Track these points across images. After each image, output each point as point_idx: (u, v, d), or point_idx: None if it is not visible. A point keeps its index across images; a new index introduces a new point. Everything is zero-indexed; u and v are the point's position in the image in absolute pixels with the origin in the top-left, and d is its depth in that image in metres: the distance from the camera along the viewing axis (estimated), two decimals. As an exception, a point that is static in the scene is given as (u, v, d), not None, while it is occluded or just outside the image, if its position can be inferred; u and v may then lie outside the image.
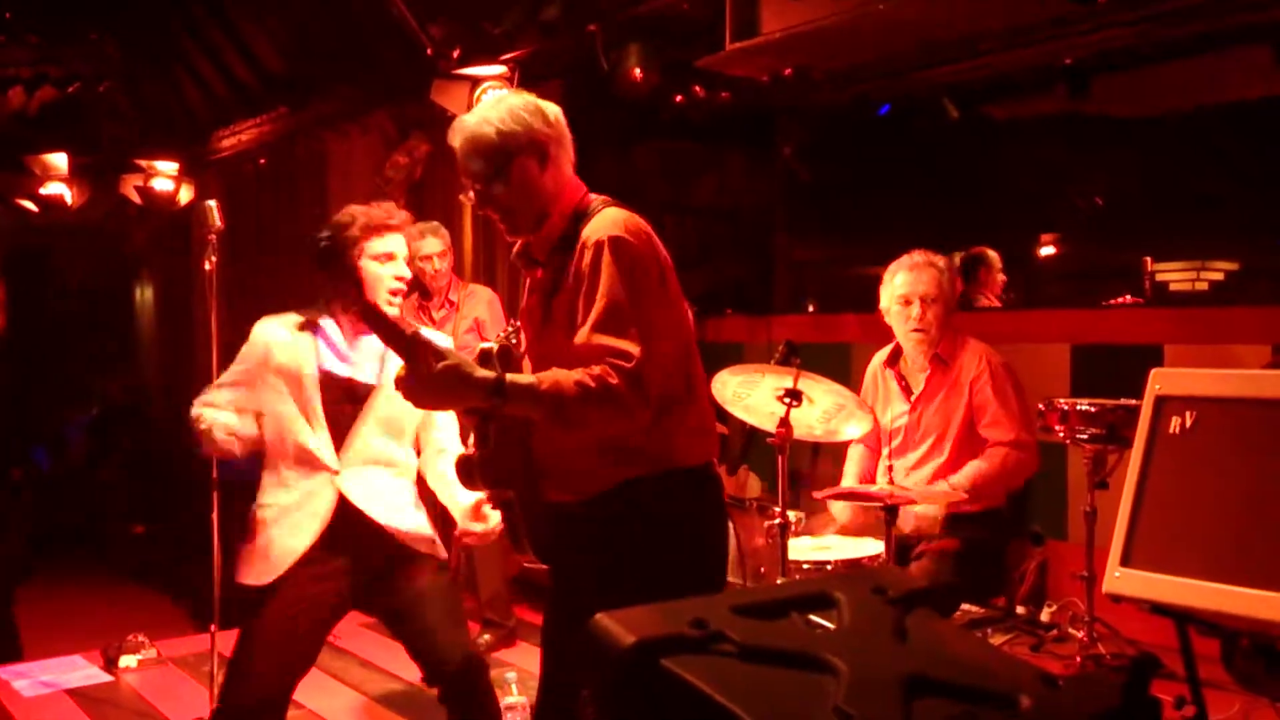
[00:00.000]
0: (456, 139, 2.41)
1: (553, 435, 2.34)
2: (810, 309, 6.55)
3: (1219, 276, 6.39)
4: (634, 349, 2.23)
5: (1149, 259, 6.49)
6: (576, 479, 2.39)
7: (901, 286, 3.63)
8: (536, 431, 2.39)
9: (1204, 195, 5.60)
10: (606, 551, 2.38)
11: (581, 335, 2.27)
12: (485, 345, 2.35)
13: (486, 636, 4.98)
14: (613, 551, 2.37)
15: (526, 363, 2.53)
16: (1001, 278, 6.07)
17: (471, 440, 2.39)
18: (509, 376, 2.22)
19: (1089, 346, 4.61)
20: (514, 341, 4.58)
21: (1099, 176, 6.37)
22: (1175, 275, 6.49)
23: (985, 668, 1.59)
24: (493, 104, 2.43)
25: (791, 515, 3.61)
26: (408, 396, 2.22)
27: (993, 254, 6.03)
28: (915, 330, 3.60)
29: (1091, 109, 5.28)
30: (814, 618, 1.73)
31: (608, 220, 2.34)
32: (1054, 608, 4.18)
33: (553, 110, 2.45)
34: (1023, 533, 4.50)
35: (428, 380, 2.18)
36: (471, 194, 2.43)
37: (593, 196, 2.47)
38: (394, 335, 2.23)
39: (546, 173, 2.40)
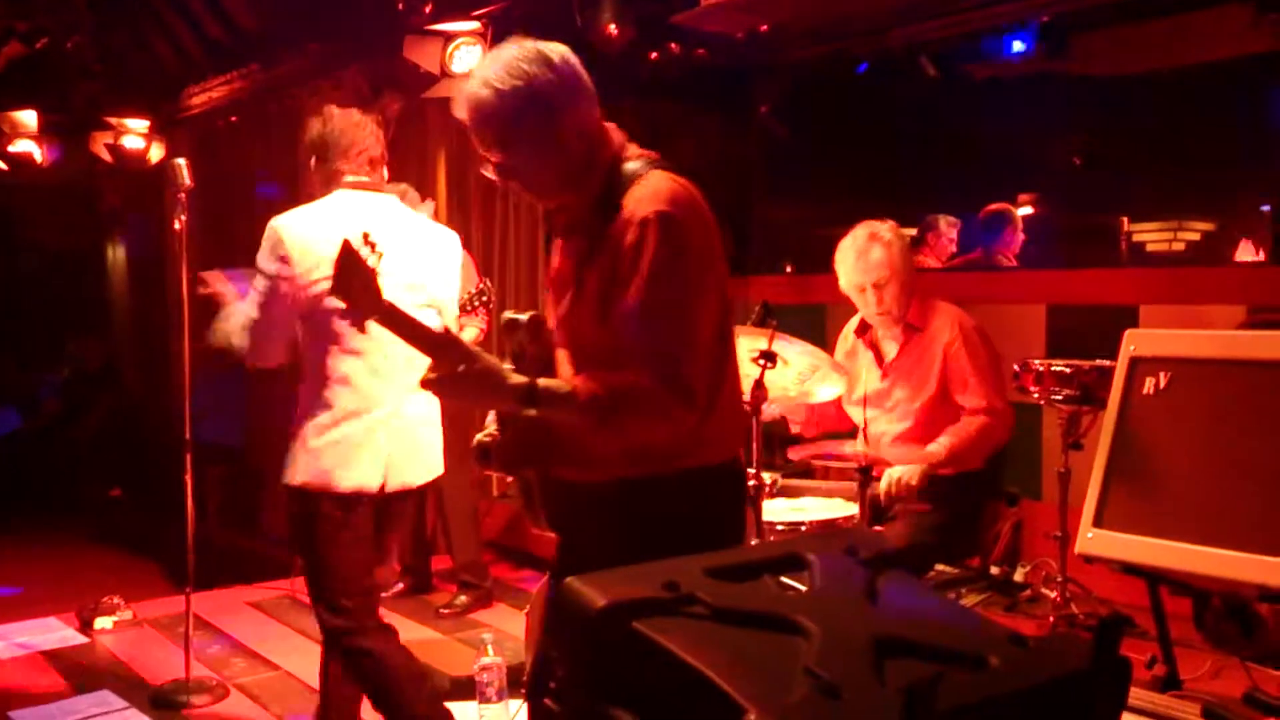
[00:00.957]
0: (460, 109, 2.14)
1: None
2: (787, 269, 6.54)
3: (1196, 237, 6.41)
4: (679, 350, 2.04)
5: (1125, 219, 6.52)
6: (595, 465, 2.18)
7: (854, 274, 3.57)
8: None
9: (1182, 155, 5.59)
10: (618, 538, 2.17)
11: (619, 326, 2.06)
12: (512, 315, 2.19)
13: (463, 598, 4.99)
14: (624, 539, 2.16)
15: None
16: (951, 243, 6.08)
17: (491, 422, 2.25)
18: (542, 383, 2.05)
19: (1064, 307, 4.61)
20: (485, 300, 4.53)
21: (1077, 136, 6.36)
22: (1152, 235, 6.52)
23: (955, 628, 1.59)
24: (489, 61, 2.13)
25: (766, 477, 3.61)
26: (436, 394, 2.12)
27: (946, 220, 6.04)
28: (876, 315, 3.58)
29: (1070, 68, 5.26)
30: (786, 579, 1.73)
31: (654, 190, 2.06)
32: (1028, 568, 4.21)
33: (558, 52, 2.13)
34: (997, 494, 4.52)
35: (458, 382, 2.05)
36: (490, 168, 2.18)
37: (633, 149, 2.18)
38: (420, 335, 2.09)
39: (564, 128, 2.10)
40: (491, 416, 2.28)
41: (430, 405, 3.20)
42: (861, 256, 3.55)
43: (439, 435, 3.27)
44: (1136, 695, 2.08)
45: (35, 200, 11.24)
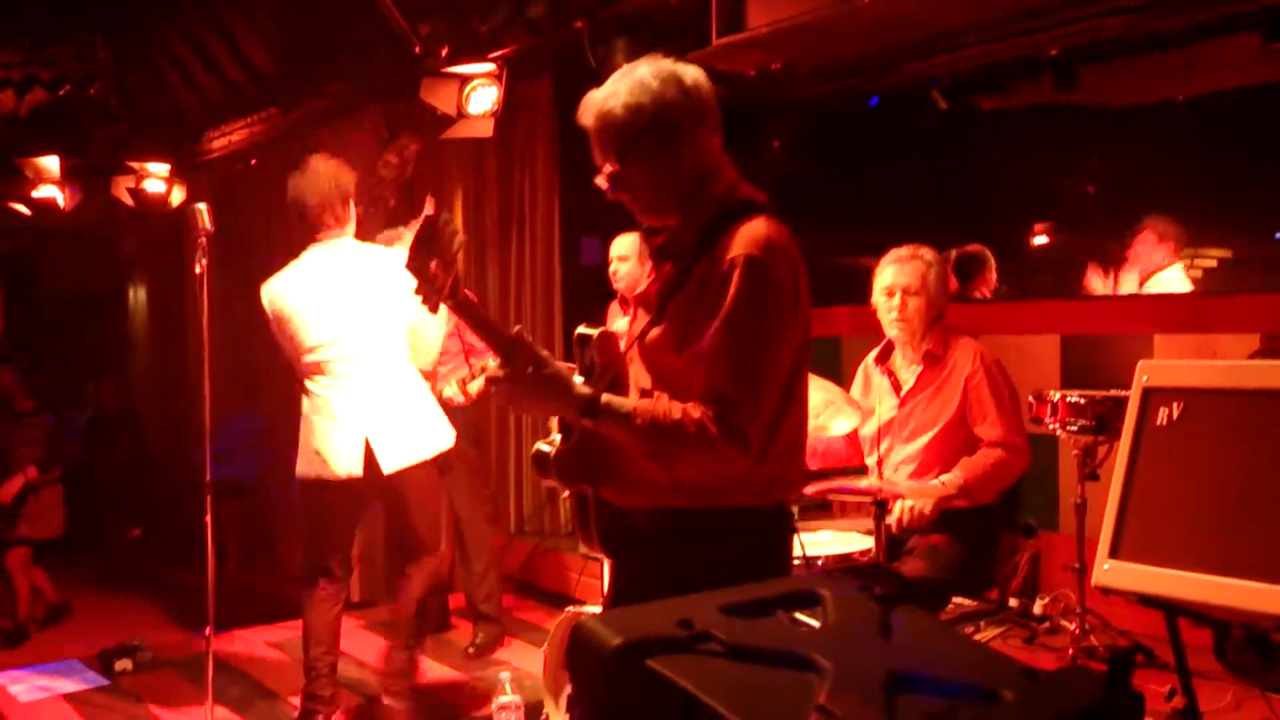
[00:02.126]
0: (586, 117, 2.17)
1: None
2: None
3: (1212, 264, 6.40)
4: (742, 395, 2.05)
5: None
6: (643, 491, 2.20)
7: (886, 278, 3.65)
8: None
9: (1194, 184, 5.60)
10: (661, 568, 2.19)
11: (691, 360, 2.09)
12: (583, 330, 2.24)
13: (481, 636, 4.99)
14: (667, 570, 2.17)
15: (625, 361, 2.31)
16: (995, 276, 6.08)
17: (556, 432, 2.27)
18: (605, 398, 2.10)
19: (1079, 337, 4.61)
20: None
21: (1089, 166, 6.38)
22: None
23: (968, 663, 1.60)
24: (621, 74, 2.16)
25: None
26: (500, 396, 2.15)
27: (988, 253, 6.03)
28: (896, 320, 3.61)
29: (1079, 99, 5.28)
30: (800, 616, 1.74)
31: (752, 235, 2.09)
32: (1046, 600, 4.19)
33: (691, 75, 2.16)
34: (1014, 525, 4.51)
35: (525, 384, 2.09)
36: (603, 177, 2.20)
37: (746, 190, 2.22)
38: (495, 334, 2.12)
39: (683, 151, 2.14)
40: (556, 424, 2.28)
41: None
42: (901, 263, 3.65)
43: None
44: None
45: (57, 244, 11.38)
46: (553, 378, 2.09)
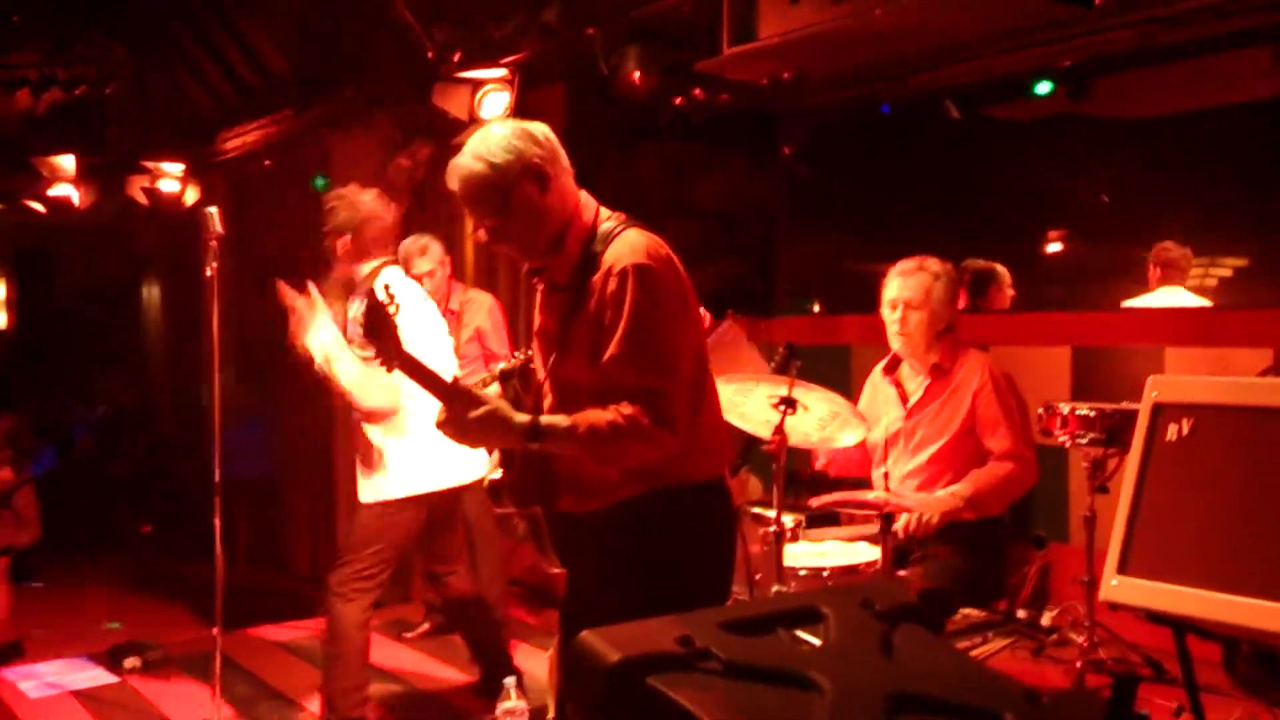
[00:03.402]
0: (453, 182, 2.43)
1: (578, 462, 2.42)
2: (816, 309, 6.54)
3: (1228, 273, 6.36)
4: (662, 384, 2.31)
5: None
6: (590, 493, 2.46)
7: (890, 291, 3.66)
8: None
9: (1206, 197, 5.58)
10: (613, 560, 2.46)
11: (607, 368, 2.32)
12: (502, 366, 2.54)
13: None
14: (619, 560, 2.45)
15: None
16: (1010, 293, 6.03)
17: (495, 463, 2.53)
18: (544, 419, 2.34)
19: (1090, 349, 4.59)
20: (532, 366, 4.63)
21: (1103, 177, 6.35)
22: (1184, 272, 6.46)
23: (971, 684, 1.60)
24: (480, 139, 2.42)
25: (789, 520, 3.62)
26: (450, 436, 2.36)
27: (1002, 269, 6.00)
28: (898, 334, 3.62)
29: (1092, 110, 5.27)
30: (801, 633, 1.74)
31: (629, 245, 2.35)
32: (1055, 612, 4.17)
33: (540, 129, 2.45)
34: (1024, 537, 4.50)
35: (468, 424, 2.31)
36: (482, 231, 2.47)
37: (605, 212, 2.48)
38: (435, 383, 2.40)
39: (549, 195, 2.40)
40: (495, 458, 2.55)
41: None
42: (904, 275, 3.66)
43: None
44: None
45: (73, 241, 11.43)
46: (491, 414, 2.31)
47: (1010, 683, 1.62)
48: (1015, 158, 6.43)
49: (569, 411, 2.37)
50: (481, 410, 2.31)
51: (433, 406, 3.67)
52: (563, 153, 2.47)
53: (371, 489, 3.79)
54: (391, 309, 2.44)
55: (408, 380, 3.61)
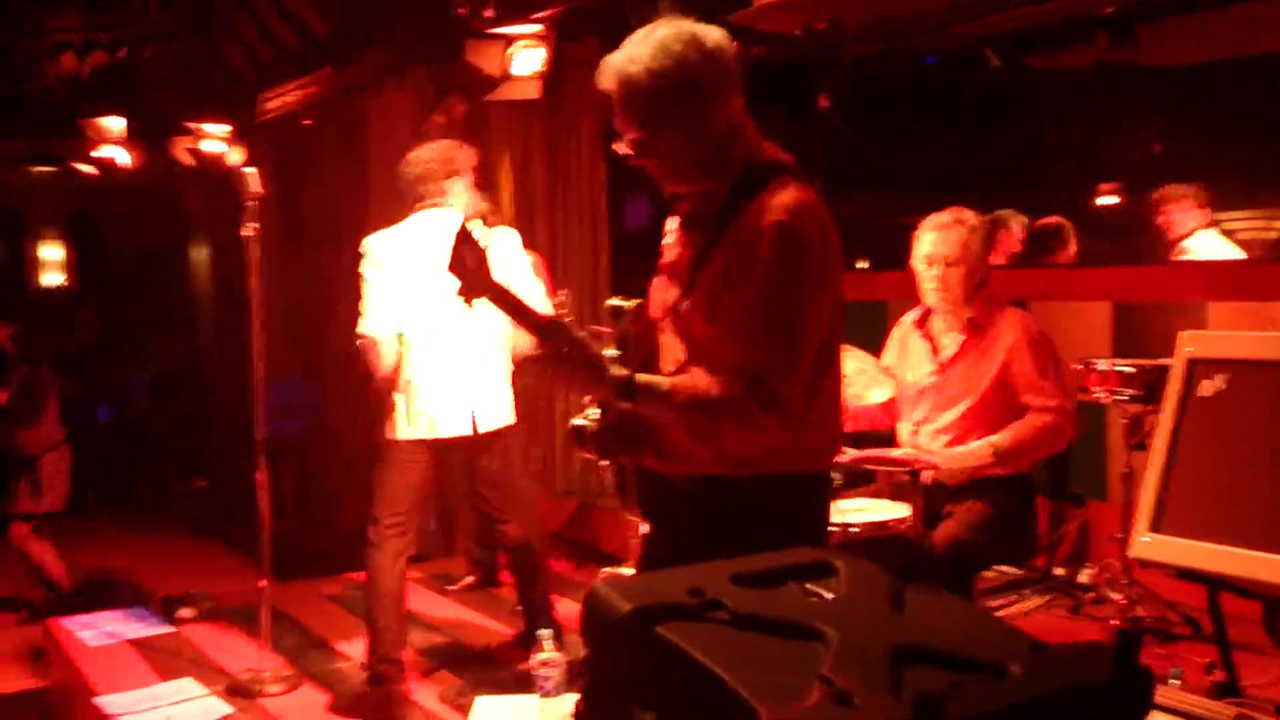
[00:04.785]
0: (604, 81, 2.12)
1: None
2: (859, 265, 6.49)
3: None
4: (780, 366, 2.04)
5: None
6: (679, 458, 2.21)
7: (926, 246, 3.55)
8: None
9: (1258, 145, 5.45)
10: (699, 534, 2.21)
11: (725, 332, 2.09)
12: (616, 303, 2.25)
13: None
14: (705, 536, 2.19)
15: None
16: (1018, 243, 5.93)
17: (592, 407, 2.28)
18: (640, 378, 2.10)
19: (1131, 305, 4.53)
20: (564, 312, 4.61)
21: (1150, 127, 6.23)
22: (1243, 224, 6.33)
23: (978, 637, 1.60)
24: (641, 37, 2.10)
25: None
26: (534, 375, 2.25)
27: (1015, 217, 5.90)
28: (937, 291, 3.54)
29: (1136, 59, 5.15)
30: (812, 587, 1.75)
31: (781, 200, 2.06)
32: (1093, 570, 4.15)
33: (713, 38, 2.10)
34: (1063, 494, 4.46)
35: (559, 366, 2.11)
36: (625, 143, 2.15)
37: (771, 153, 2.18)
38: (528, 316, 2.15)
39: (707, 116, 2.09)
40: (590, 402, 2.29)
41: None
42: (941, 229, 3.54)
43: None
44: (1177, 697, 2.06)
45: (122, 200, 11.59)
46: (586, 360, 2.08)
47: (1019, 636, 1.62)
48: (1058, 108, 6.32)
49: (678, 359, 2.17)
50: (578, 354, 2.07)
51: (446, 356, 3.79)
52: (735, 70, 2.12)
53: (385, 428, 3.89)
54: (481, 238, 2.20)
55: (431, 323, 3.76)
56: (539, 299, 3.83)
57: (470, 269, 2.14)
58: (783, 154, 2.20)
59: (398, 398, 3.86)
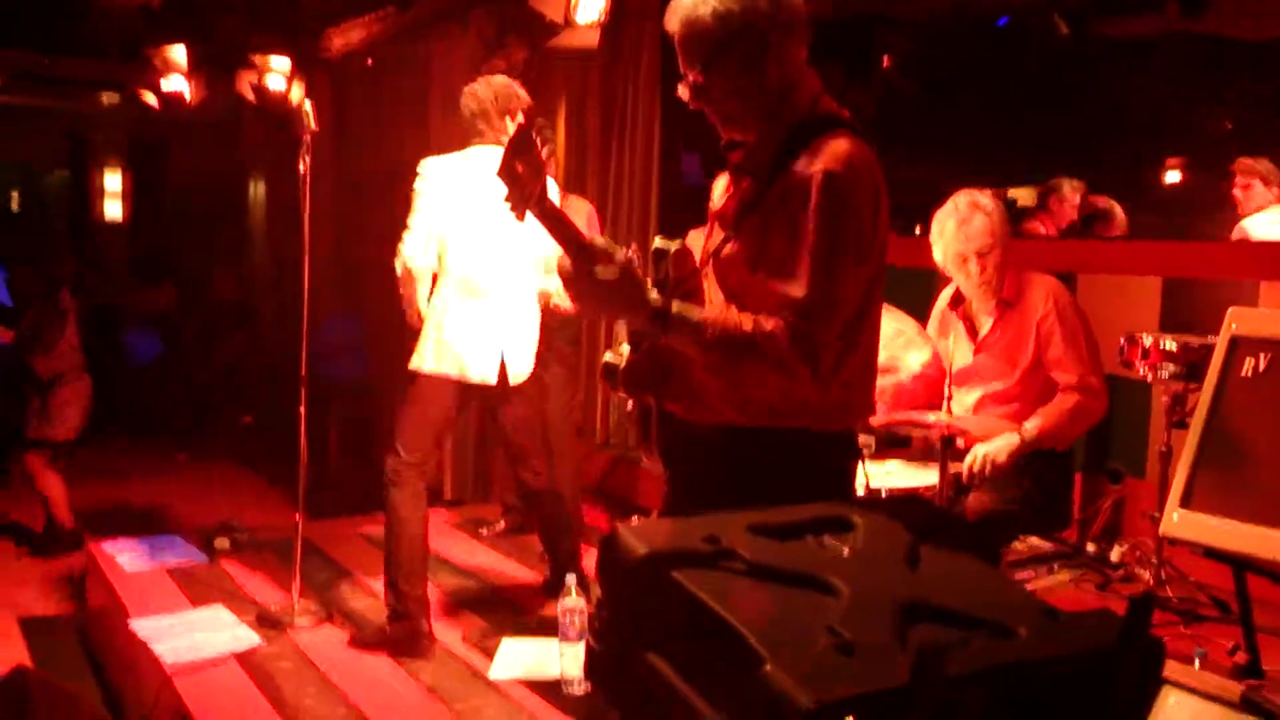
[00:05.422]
0: (672, 23, 2.13)
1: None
2: (917, 231, 6.43)
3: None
4: (817, 312, 2.03)
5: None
6: (703, 403, 2.21)
7: (954, 242, 3.49)
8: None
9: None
10: (720, 484, 2.22)
11: (765, 279, 2.08)
12: (660, 244, 2.22)
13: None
14: (726, 486, 2.20)
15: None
16: (1074, 209, 5.82)
17: (622, 343, 2.28)
18: (677, 307, 2.07)
19: (1180, 281, 4.46)
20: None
21: (1215, 101, 6.10)
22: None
23: (990, 598, 1.60)
24: None
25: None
26: (573, 298, 2.13)
27: (1070, 184, 5.79)
28: (976, 286, 3.50)
29: (1208, 28, 5.04)
30: (830, 540, 1.76)
31: (834, 150, 2.04)
32: (1125, 547, 4.12)
33: None
34: (1101, 469, 4.43)
35: (597, 287, 2.05)
36: (683, 88, 2.16)
37: (826, 103, 2.17)
38: (570, 234, 2.10)
39: (770, 63, 2.09)
40: (624, 333, 2.29)
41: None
42: (964, 224, 3.48)
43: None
44: (1190, 674, 2.05)
45: (185, 136, 11.72)
46: (625, 282, 2.04)
47: (1031, 600, 1.63)
48: (1128, 78, 6.19)
49: (717, 303, 2.16)
50: (615, 271, 2.03)
51: (483, 298, 3.81)
52: (802, 20, 2.12)
53: (414, 358, 3.92)
54: (545, 151, 2.23)
55: (474, 261, 3.77)
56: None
57: (522, 177, 2.10)
58: (841, 109, 2.19)
59: (430, 330, 3.90)
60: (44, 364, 6.02)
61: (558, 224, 2.12)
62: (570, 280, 2.08)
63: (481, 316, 3.88)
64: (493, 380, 3.89)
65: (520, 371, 3.97)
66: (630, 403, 2.37)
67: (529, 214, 2.12)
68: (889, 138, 6.45)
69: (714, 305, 2.18)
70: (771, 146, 2.13)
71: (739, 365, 2.08)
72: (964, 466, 3.31)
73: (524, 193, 2.10)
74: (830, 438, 2.19)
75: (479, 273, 3.87)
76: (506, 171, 2.10)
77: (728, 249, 2.18)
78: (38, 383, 6.01)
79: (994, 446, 3.37)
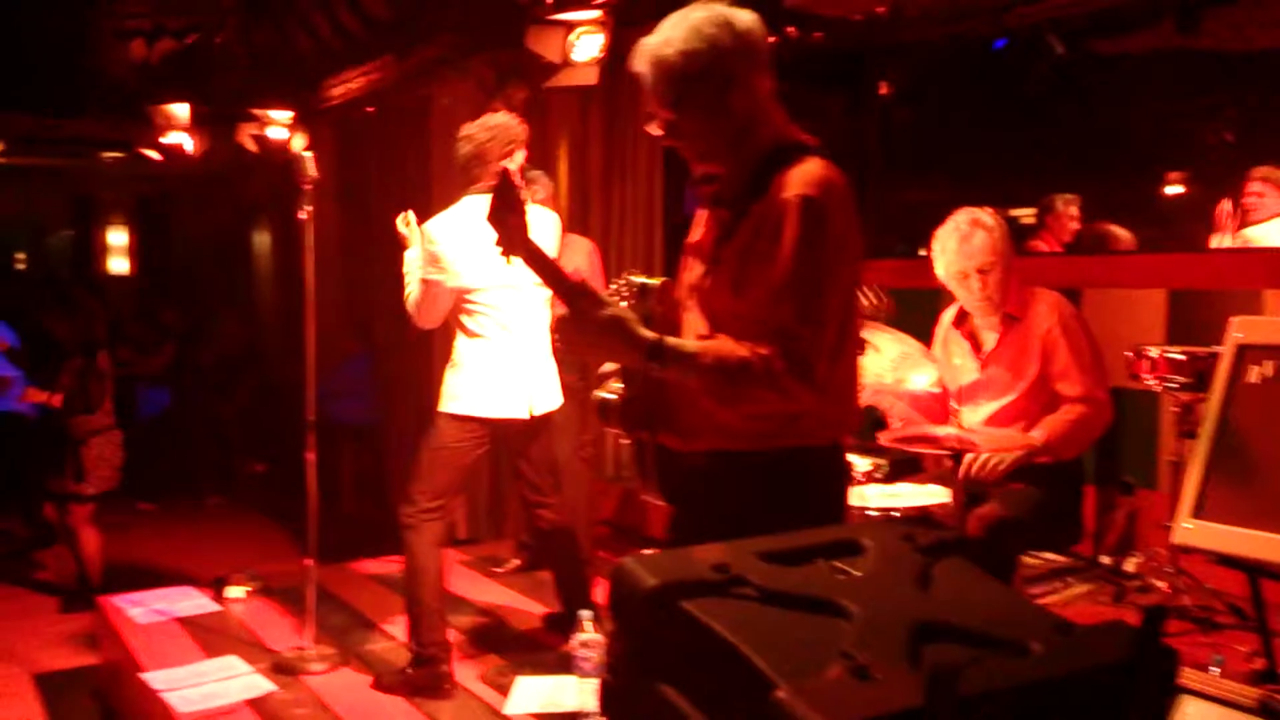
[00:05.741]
0: (639, 63, 2.20)
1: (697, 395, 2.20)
2: (921, 253, 6.46)
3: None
4: (805, 330, 2.09)
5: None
6: (697, 434, 2.25)
7: (956, 260, 3.50)
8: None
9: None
10: (711, 511, 2.26)
11: (752, 302, 2.13)
12: (643, 280, 2.30)
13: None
14: (716, 513, 2.23)
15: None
16: (1073, 220, 5.85)
17: (615, 380, 2.34)
18: (670, 341, 2.13)
19: (1186, 292, 4.46)
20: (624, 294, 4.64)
21: (1218, 114, 6.11)
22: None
23: (1003, 616, 1.60)
24: (677, 20, 2.18)
25: (868, 464, 3.62)
26: (564, 341, 2.18)
27: (1063, 199, 5.82)
28: (979, 302, 3.51)
29: (1202, 44, 5.06)
30: (840, 564, 1.76)
31: (804, 175, 2.11)
32: (1140, 558, 4.10)
33: (743, 21, 2.16)
34: (1113, 481, 4.42)
35: (588, 326, 2.11)
36: (657, 123, 2.23)
37: (795, 134, 2.24)
38: (558, 278, 2.19)
39: (735, 96, 2.16)
40: (613, 371, 2.35)
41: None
42: (965, 241, 3.49)
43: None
44: (1207, 681, 2.05)
45: (189, 190, 11.81)
46: (616, 321, 2.10)
47: (1045, 615, 1.62)
48: (1127, 95, 6.22)
49: (700, 335, 2.21)
50: (606, 313, 2.09)
51: (505, 338, 3.85)
52: (766, 53, 2.19)
53: (442, 402, 3.93)
54: (525, 193, 2.33)
55: (492, 305, 3.81)
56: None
57: (508, 223, 2.20)
58: (808, 136, 2.24)
59: (458, 372, 3.91)
60: (82, 422, 6.07)
61: (545, 268, 2.21)
62: (561, 323, 2.14)
63: (506, 354, 3.90)
64: (524, 415, 3.91)
65: (547, 404, 3.99)
66: (626, 439, 2.41)
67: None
68: (891, 164, 6.53)
69: (701, 336, 2.22)
70: (744, 176, 2.20)
71: (737, 388, 2.12)
72: (963, 465, 3.29)
73: (512, 237, 2.21)
74: (820, 451, 2.25)
75: (500, 312, 3.89)
76: (494, 216, 2.20)
77: (709, 281, 2.23)
78: (72, 440, 6.05)
79: (1001, 435, 3.38)
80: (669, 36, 2.16)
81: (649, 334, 2.11)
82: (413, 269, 3.94)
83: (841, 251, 2.14)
